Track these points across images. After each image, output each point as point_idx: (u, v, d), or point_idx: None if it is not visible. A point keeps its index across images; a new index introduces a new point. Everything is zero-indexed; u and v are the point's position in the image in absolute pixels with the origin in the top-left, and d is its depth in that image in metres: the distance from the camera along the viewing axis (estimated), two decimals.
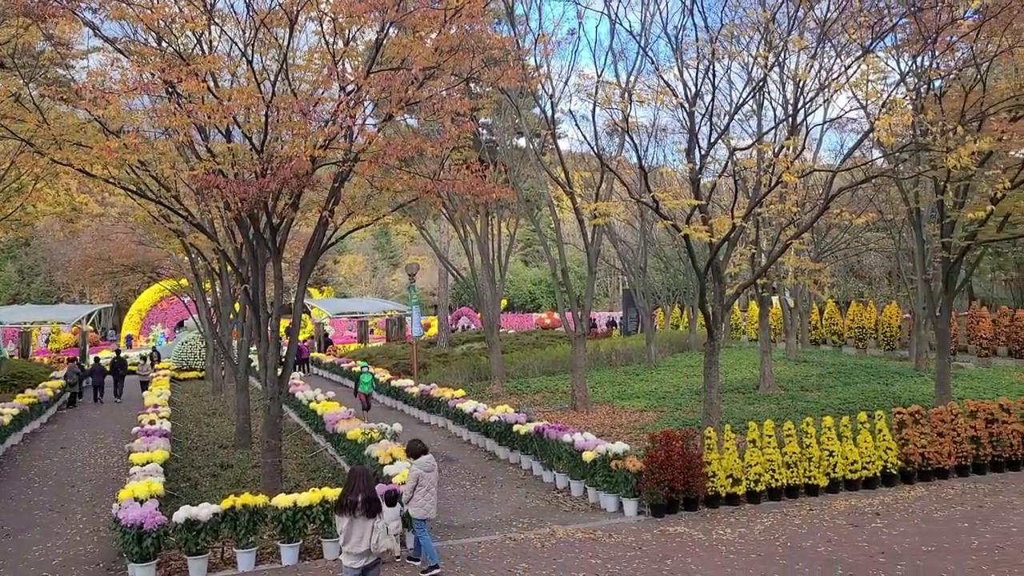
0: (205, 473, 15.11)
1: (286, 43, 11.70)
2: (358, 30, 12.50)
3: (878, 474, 13.67)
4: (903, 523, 11.44)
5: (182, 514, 9.80)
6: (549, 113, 20.48)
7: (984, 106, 15.37)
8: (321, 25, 11.80)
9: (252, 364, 20.81)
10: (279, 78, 11.69)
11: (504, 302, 55.60)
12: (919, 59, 16.68)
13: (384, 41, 12.33)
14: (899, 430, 14.11)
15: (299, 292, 14.12)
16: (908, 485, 13.81)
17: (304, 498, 10.38)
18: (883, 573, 9.37)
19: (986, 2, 12.95)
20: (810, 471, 13.17)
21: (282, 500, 10.33)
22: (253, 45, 11.67)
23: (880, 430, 13.85)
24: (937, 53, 15.79)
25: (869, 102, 15.60)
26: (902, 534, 10.89)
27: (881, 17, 15.16)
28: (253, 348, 16.36)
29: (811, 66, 15.32)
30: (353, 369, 27.42)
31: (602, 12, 23.12)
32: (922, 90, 17.19)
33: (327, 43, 11.89)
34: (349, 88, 11.91)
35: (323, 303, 51.10)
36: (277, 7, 11.41)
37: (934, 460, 14.02)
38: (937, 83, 17.49)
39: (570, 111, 54.30)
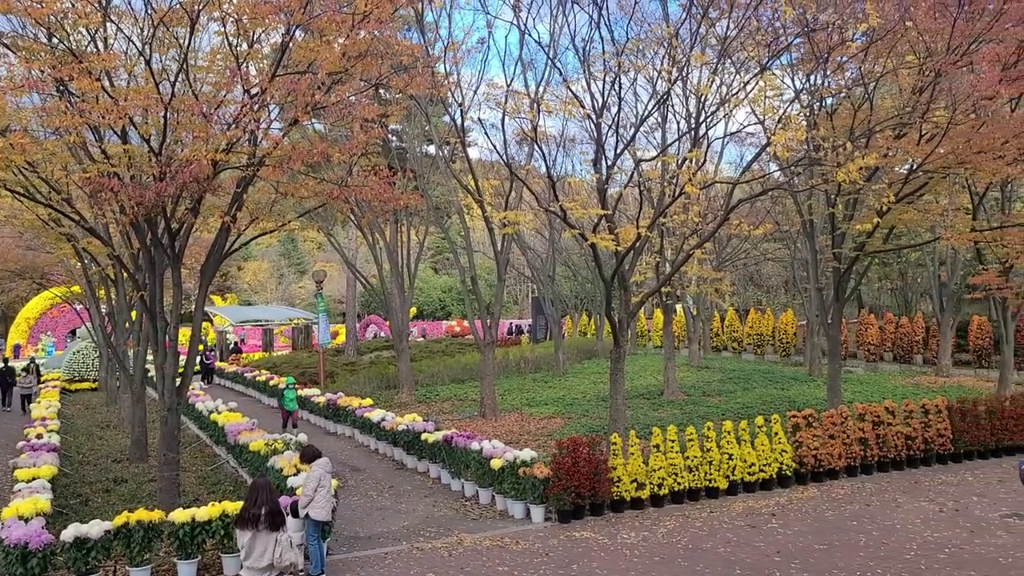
0: (97, 489, 14.45)
1: (187, 43, 11.33)
2: (263, 32, 12.21)
3: (774, 476, 14.19)
4: (797, 523, 11.91)
5: (71, 532, 9.34)
6: (459, 121, 20.49)
7: (871, 123, 16.21)
8: (224, 26, 11.48)
9: (149, 374, 20.03)
10: (179, 79, 11.30)
11: (414, 310, 55.24)
12: (812, 77, 17.47)
13: (290, 44, 12.08)
14: (793, 433, 14.68)
15: (199, 299, 13.67)
16: (802, 486, 14.38)
17: (203, 512, 10.04)
18: (778, 572, 9.73)
19: (873, 25, 13.66)
20: (711, 474, 13.56)
21: (180, 515, 9.97)
22: (151, 44, 11.26)
23: (776, 433, 14.38)
24: (828, 72, 16.58)
25: (766, 117, 16.24)
26: (796, 533, 11.33)
27: (777, 36, 15.84)
28: (150, 357, 15.74)
29: (712, 81, 15.84)
30: (277, 384, 25.05)
31: (512, 23, 23.33)
32: (815, 107, 18.04)
33: (230, 44, 11.58)
34: (253, 91, 11.63)
35: (226, 311, 49.58)
36: (177, 5, 11.06)
37: (826, 461, 14.64)
38: (829, 101, 18.38)
39: (480, 120, 54.41)
